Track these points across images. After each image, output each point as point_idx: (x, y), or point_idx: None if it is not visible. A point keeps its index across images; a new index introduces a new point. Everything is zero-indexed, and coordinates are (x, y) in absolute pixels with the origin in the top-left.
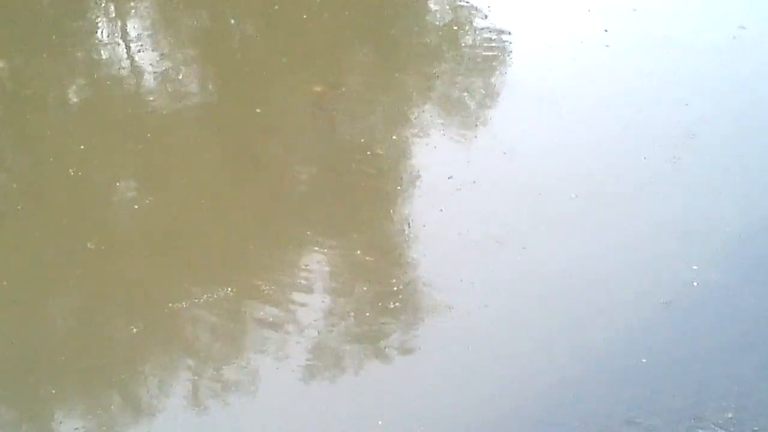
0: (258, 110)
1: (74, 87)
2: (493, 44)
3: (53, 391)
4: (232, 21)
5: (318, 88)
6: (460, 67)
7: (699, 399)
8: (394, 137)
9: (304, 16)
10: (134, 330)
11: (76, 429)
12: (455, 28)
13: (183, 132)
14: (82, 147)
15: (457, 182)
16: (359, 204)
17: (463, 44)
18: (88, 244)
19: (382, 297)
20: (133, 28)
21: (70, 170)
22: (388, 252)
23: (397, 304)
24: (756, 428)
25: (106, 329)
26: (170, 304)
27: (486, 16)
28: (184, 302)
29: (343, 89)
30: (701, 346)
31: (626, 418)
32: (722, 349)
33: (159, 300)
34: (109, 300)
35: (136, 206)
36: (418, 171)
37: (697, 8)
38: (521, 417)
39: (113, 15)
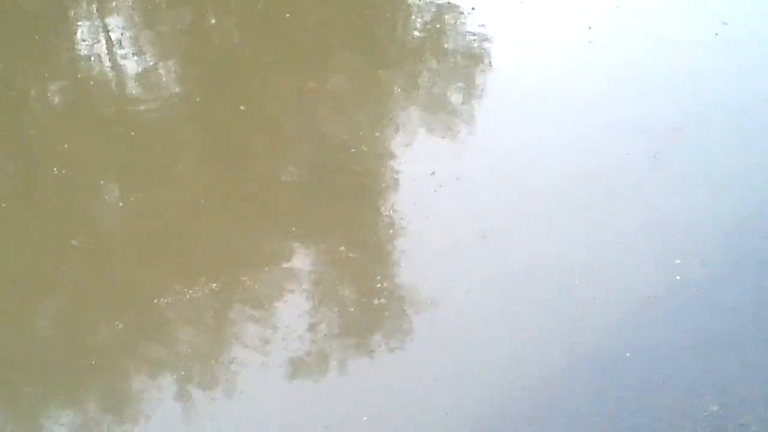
0: (242, 107)
1: (58, 87)
2: (477, 42)
3: (39, 389)
4: (215, 20)
5: (302, 86)
6: (443, 64)
7: (684, 396)
8: (377, 134)
9: (288, 15)
10: (119, 326)
11: (61, 425)
12: (439, 25)
13: (167, 130)
14: (66, 146)
15: (440, 178)
16: (343, 201)
17: (447, 41)
18: (73, 242)
19: (366, 294)
20: (116, 27)
21: (55, 169)
22: (373, 249)
23: (382, 300)
24: (742, 423)
25: (91, 326)
26: (155, 300)
27: (470, 14)
28: (169, 298)
29: (327, 87)
30: (686, 340)
31: (612, 415)
32: (706, 343)
33: (144, 296)
34: (94, 296)
35: (121, 204)
36: (402, 168)
37: (680, 5)
38: (508, 415)
39: (96, 15)
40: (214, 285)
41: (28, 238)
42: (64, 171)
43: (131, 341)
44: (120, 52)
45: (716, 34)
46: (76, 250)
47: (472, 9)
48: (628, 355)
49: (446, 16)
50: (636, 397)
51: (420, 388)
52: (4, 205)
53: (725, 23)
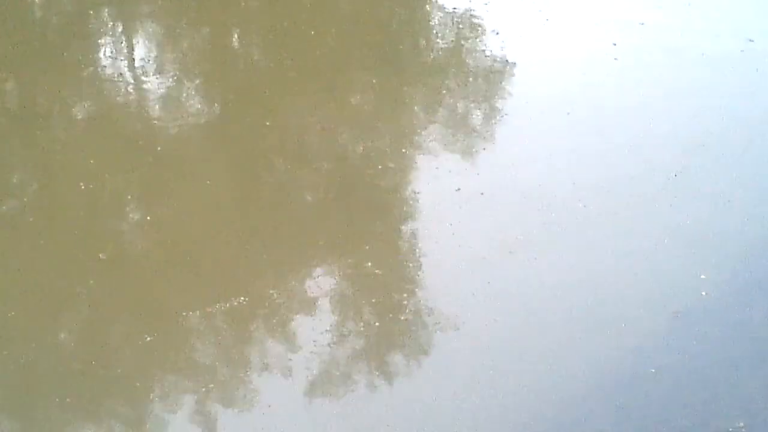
0: (267, 123)
1: (83, 102)
2: (501, 58)
3: (67, 400)
4: (241, 37)
5: (327, 103)
6: (468, 79)
7: (708, 413)
8: (403, 150)
9: (312, 32)
10: (147, 339)
11: None
12: (462, 42)
13: (193, 144)
14: (92, 161)
15: (465, 194)
16: (370, 216)
17: (471, 57)
18: (101, 255)
19: (392, 309)
20: (140, 44)
21: (81, 184)
22: (399, 265)
23: (408, 317)
24: None
25: (118, 338)
26: (183, 313)
27: (494, 31)
28: (196, 311)
29: (352, 103)
30: (711, 357)
31: None
32: (732, 360)
33: (171, 309)
34: (121, 309)
35: (148, 217)
36: (428, 184)
37: (705, 21)
38: None
39: (120, 32)
40: (241, 299)
41: (55, 252)
42: (90, 186)
43: (159, 354)
44: (144, 68)
45: (742, 51)
46: (103, 263)
47: (497, 26)
48: (652, 371)
49: (470, 33)
50: (660, 415)
51: (441, 406)
52: (31, 219)
53: (751, 40)
